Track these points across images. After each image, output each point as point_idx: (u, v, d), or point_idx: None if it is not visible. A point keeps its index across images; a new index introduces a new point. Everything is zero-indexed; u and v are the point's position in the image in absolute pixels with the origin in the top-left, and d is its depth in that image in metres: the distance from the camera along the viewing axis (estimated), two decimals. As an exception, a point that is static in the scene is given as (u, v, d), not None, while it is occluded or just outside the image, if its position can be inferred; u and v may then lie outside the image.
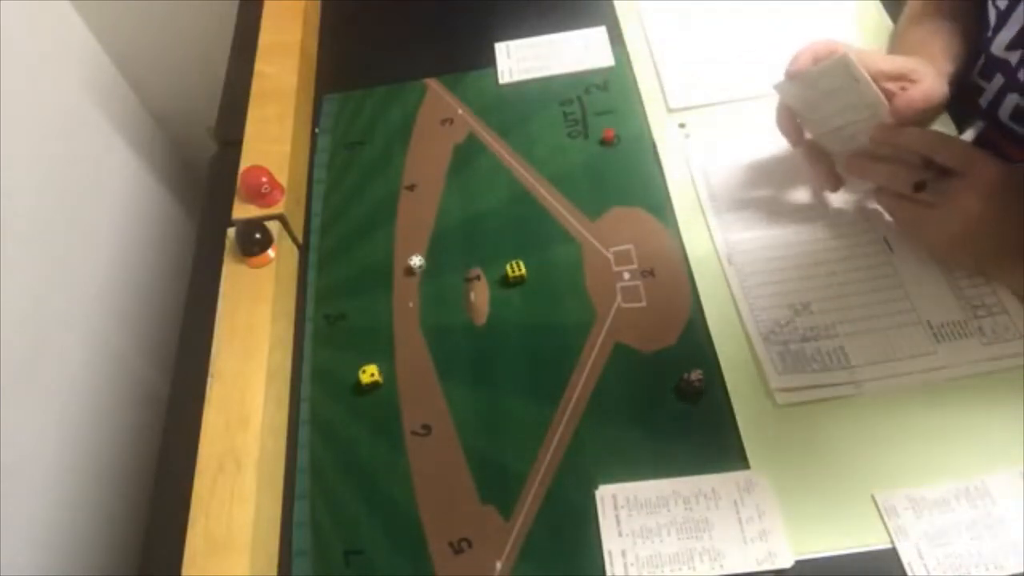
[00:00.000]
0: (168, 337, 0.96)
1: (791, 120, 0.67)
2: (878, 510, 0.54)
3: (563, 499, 0.57)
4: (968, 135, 0.66)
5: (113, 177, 1.06)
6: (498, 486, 0.58)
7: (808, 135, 0.68)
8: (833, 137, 0.66)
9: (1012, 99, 0.67)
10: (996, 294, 0.61)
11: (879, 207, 0.66)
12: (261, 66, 0.82)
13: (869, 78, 0.60)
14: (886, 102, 0.61)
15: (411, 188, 0.76)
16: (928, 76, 0.63)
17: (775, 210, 0.69)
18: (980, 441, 0.56)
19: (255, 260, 0.67)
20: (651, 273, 0.67)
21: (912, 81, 0.63)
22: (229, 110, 0.83)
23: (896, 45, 0.74)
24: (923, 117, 0.63)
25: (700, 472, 0.57)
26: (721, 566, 0.53)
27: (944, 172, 0.59)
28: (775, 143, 0.72)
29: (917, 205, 0.61)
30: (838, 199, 0.68)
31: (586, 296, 0.67)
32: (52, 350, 0.86)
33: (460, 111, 0.81)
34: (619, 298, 0.66)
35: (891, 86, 0.62)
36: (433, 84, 0.85)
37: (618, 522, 0.55)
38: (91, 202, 0.99)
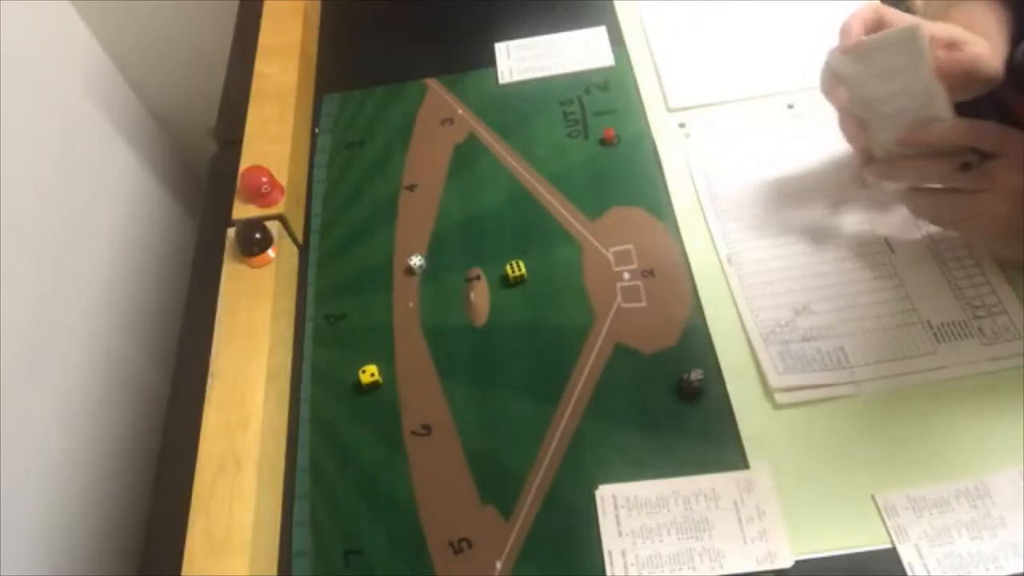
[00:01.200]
0: (168, 337, 0.96)
1: (836, 82, 0.62)
2: (878, 510, 0.54)
3: (563, 499, 0.57)
4: None
5: (113, 177, 1.06)
6: (498, 486, 0.58)
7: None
8: (881, 125, 0.61)
9: None
10: (996, 294, 0.61)
11: (917, 212, 0.62)
12: (261, 66, 0.82)
13: (931, 61, 0.55)
14: (945, 93, 0.56)
15: (411, 188, 0.76)
16: (981, 46, 0.59)
17: (775, 210, 0.69)
18: (980, 441, 0.56)
19: (255, 260, 0.67)
20: (651, 273, 0.67)
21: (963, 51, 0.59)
22: (229, 110, 0.83)
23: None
24: (967, 89, 0.59)
25: (700, 472, 0.57)
26: (721, 566, 0.53)
27: (982, 157, 0.56)
28: (775, 143, 0.72)
29: (958, 197, 0.58)
30: (838, 199, 0.68)
31: (586, 296, 0.67)
32: (52, 350, 0.86)
33: (460, 111, 0.81)
34: (619, 298, 0.66)
35: (941, 54, 0.58)
36: (433, 84, 0.85)
37: (618, 522, 0.55)
38: (91, 202, 0.99)
